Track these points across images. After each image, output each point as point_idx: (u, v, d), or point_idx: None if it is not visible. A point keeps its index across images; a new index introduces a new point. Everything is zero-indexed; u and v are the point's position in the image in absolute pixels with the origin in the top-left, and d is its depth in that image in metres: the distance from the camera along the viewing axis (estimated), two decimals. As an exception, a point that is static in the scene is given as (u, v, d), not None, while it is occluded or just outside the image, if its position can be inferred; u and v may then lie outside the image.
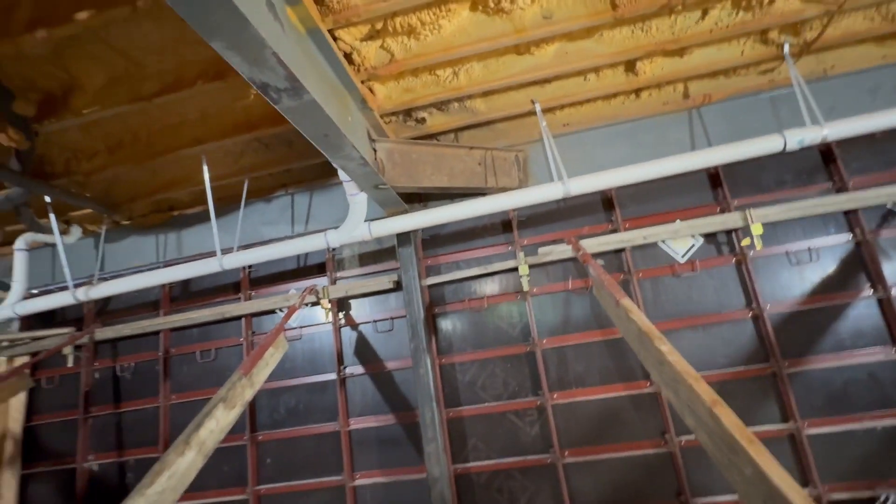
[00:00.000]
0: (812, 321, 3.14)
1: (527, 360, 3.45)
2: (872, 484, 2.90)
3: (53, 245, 4.03)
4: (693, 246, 3.37)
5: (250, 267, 4.04)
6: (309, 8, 1.95)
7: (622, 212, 3.51)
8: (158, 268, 3.66)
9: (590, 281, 3.41)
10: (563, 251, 3.41)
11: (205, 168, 3.22)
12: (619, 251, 3.46)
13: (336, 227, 3.28)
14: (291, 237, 3.63)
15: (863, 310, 3.09)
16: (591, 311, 3.43)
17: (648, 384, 3.23)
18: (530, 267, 3.46)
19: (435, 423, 3.24)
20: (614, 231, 3.48)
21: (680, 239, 3.38)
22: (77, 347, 4.04)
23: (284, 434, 3.69)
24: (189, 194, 3.79)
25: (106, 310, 4.27)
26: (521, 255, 3.46)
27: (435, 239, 3.77)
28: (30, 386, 3.83)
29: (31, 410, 4.16)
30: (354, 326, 3.78)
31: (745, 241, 3.20)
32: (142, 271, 3.61)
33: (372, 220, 3.24)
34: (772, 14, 2.61)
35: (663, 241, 3.41)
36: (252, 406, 3.76)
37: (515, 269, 3.48)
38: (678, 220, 3.36)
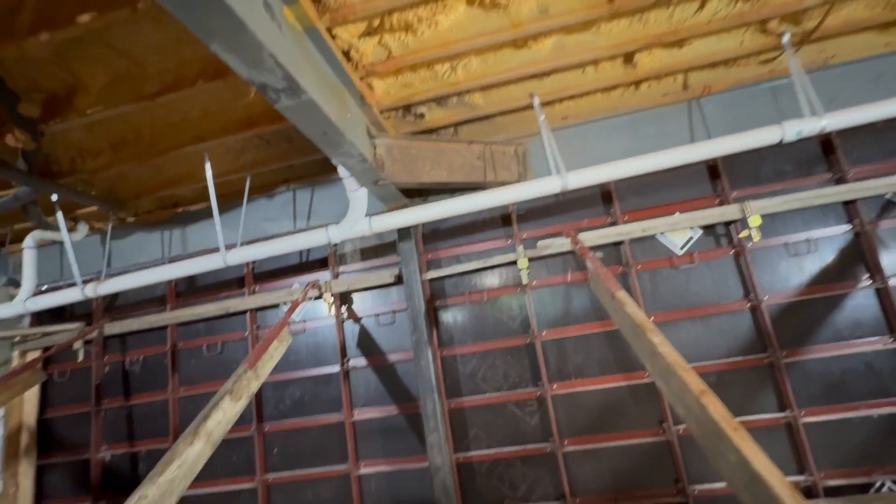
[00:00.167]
0: (810, 312, 3.16)
1: (527, 352, 3.50)
2: (868, 471, 2.94)
3: (61, 242, 4.11)
4: (691, 238, 3.39)
5: (254, 262, 4.10)
6: (306, 7, 1.97)
7: (621, 204, 3.52)
8: (164, 264, 3.72)
9: (588, 274, 3.44)
10: (562, 244, 3.44)
11: (207, 165, 3.26)
12: (618, 244, 3.48)
13: (337, 223, 3.33)
14: (293, 233, 3.67)
15: (861, 300, 3.10)
16: (591, 303, 3.46)
17: (647, 375, 3.27)
18: (530, 260, 3.50)
19: (437, 413, 3.30)
20: (613, 224, 3.50)
21: (678, 231, 3.40)
22: (87, 342, 4.13)
23: (290, 425, 3.78)
24: (192, 191, 3.85)
25: (114, 305, 4.35)
26: (520, 248, 3.49)
27: (435, 233, 3.81)
28: (42, 380, 3.93)
29: (44, 403, 4.28)
30: (357, 320, 3.84)
31: (744, 233, 3.21)
32: (148, 267, 3.67)
33: (372, 214, 3.28)
34: (771, 3, 2.59)
35: (662, 234, 3.43)
36: (258, 398, 3.85)
37: (515, 263, 3.51)
38: (677, 213, 3.37)
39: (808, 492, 2.98)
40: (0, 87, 2.47)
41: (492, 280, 3.65)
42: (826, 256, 3.19)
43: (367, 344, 3.79)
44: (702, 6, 2.59)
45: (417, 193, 3.69)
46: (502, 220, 3.72)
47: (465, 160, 3.32)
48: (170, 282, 4.19)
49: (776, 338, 3.12)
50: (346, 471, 3.59)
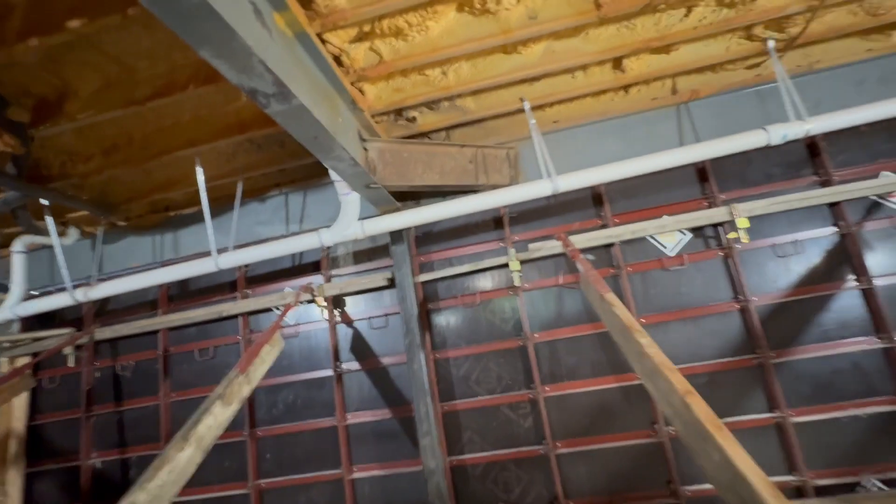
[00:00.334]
0: (798, 312, 3.20)
1: (520, 354, 3.52)
2: (856, 470, 2.98)
3: (51, 247, 4.07)
4: (681, 240, 3.43)
5: (246, 266, 4.09)
6: (296, 13, 1.99)
7: (611, 207, 3.56)
8: (155, 268, 3.70)
9: (579, 276, 3.47)
10: (553, 247, 3.46)
11: (199, 169, 3.26)
12: (609, 246, 3.51)
13: (329, 226, 3.33)
14: (286, 236, 3.67)
15: (847, 301, 3.15)
16: (582, 305, 3.49)
17: (639, 377, 3.29)
18: (521, 263, 3.52)
19: (430, 416, 3.31)
20: (604, 226, 3.53)
21: (668, 233, 3.44)
22: (77, 347, 4.09)
23: (283, 429, 3.76)
24: (184, 195, 3.84)
25: (105, 310, 4.32)
26: (512, 251, 3.51)
27: (428, 236, 3.83)
28: (32, 386, 3.90)
29: (33, 410, 4.23)
30: (350, 323, 3.84)
31: (732, 235, 3.26)
32: (139, 272, 3.65)
33: (365, 218, 3.28)
34: (755, 10, 2.64)
35: (652, 236, 3.46)
36: (251, 402, 3.83)
37: (507, 265, 3.53)
38: (666, 215, 3.41)
39: (798, 492, 3.01)
40: (-11, 92, 2.46)
41: (484, 283, 3.67)
42: (813, 258, 3.24)
43: (360, 347, 3.79)
44: (688, 13, 2.63)
45: (410, 197, 3.71)
46: (494, 223, 3.74)
47: (456, 163, 3.34)
48: (161, 286, 4.16)
49: (765, 338, 3.16)
50: (339, 475, 3.58)
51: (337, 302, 3.89)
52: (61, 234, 4.03)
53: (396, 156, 3.09)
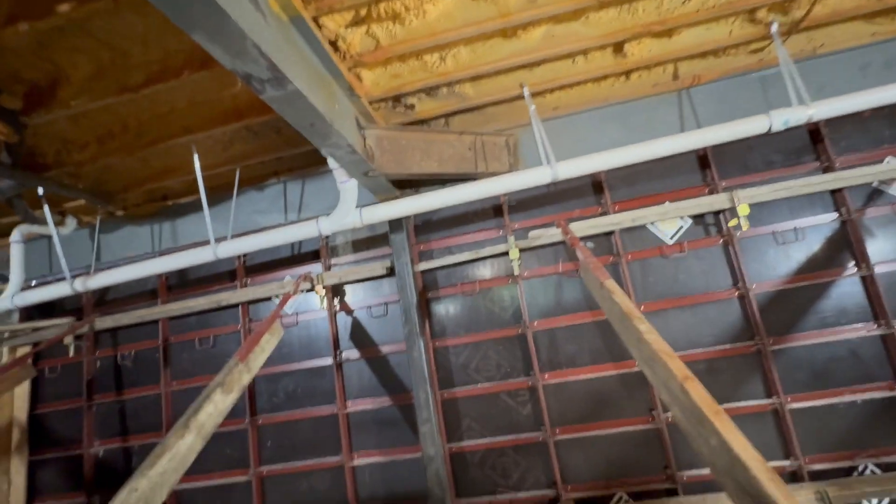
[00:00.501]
0: (797, 299, 3.20)
1: (519, 342, 3.53)
2: (852, 454, 3.01)
3: (49, 237, 4.06)
4: (681, 227, 3.41)
5: (245, 255, 4.08)
6: (291, -5, 1.95)
7: (612, 194, 3.54)
8: (154, 257, 3.69)
9: (579, 263, 3.46)
10: (553, 235, 3.45)
11: (195, 157, 3.23)
12: (609, 234, 3.50)
13: (328, 215, 3.31)
14: (284, 225, 3.65)
15: (846, 288, 3.15)
16: (582, 293, 3.49)
17: (637, 363, 3.31)
18: (521, 251, 3.51)
19: (429, 404, 3.33)
20: (604, 214, 3.51)
21: (668, 220, 3.42)
22: (77, 337, 4.10)
23: (284, 417, 3.79)
24: (182, 183, 3.81)
25: (104, 299, 4.32)
26: (511, 239, 3.50)
27: (427, 224, 3.81)
28: (32, 375, 3.91)
29: (35, 399, 4.26)
30: (349, 312, 3.84)
31: (733, 222, 3.24)
32: (137, 261, 3.64)
33: (363, 206, 3.26)
34: (759, -8, 2.59)
35: (652, 223, 3.45)
36: (252, 391, 3.85)
37: (507, 254, 3.52)
38: (667, 202, 3.39)
39: (794, 476, 3.04)
40: (-20, 79, 2.42)
41: (484, 271, 3.66)
42: (813, 245, 3.23)
43: (359, 336, 3.79)
44: (690, -5, 2.58)
45: (408, 185, 3.68)
46: (494, 210, 3.72)
47: (455, 151, 3.31)
48: (161, 275, 4.16)
49: (763, 325, 3.17)
50: (339, 462, 3.62)
51: (336, 291, 3.88)
52: (59, 223, 4.01)
53: (394, 143, 3.06)
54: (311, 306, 3.92)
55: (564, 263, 3.53)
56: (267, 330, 2.77)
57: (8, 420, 4.11)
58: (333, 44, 2.42)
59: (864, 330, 3.07)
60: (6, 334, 4.23)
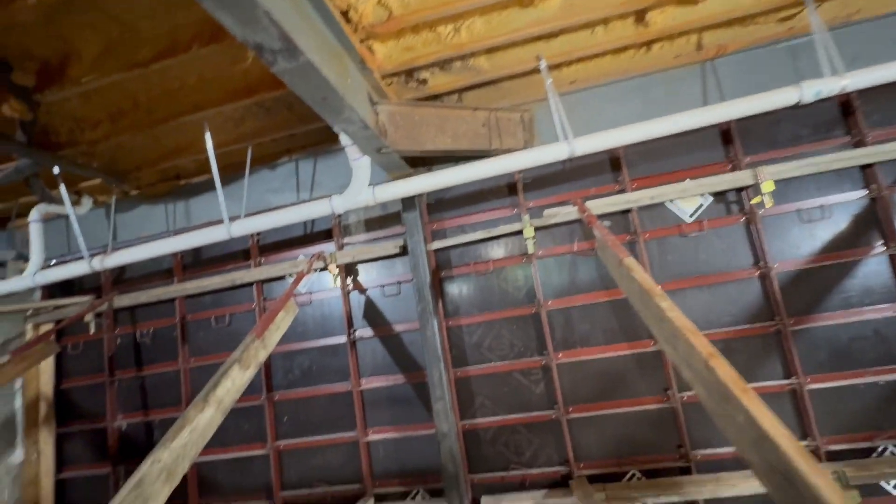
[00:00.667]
0: (820, 279, 3.12)
1: (532, 322, 3.51)
2: (871, 436, 2.97)
3: (67, 217, 4.12)
4: (701, 205, 3.32)
5: (259, 234, 4.09)
6: (301, -38, 1.87)
7: (630, 172, 3.45)
8: (169, 236, 3.72)
9: (595, 242, 3.40)
10: (568, 213, 3.38)
11: (207, 135, 3.21)
12: (626, 212, 3.42)
13: (341, 193, 3.28)
14: (297, 203, 3.64)
15: (873, 267, 3.05)
16: (597, 272, 3.44)
17: (652, 343, 3.28)
18: (536, 229, 3.46)
19: (443, 382, 3.35)
20: (621, 191, 3.43)
21: (688, 198, 3.33)
22: (98, 315, 4.18)
23: (299, 394, 3.85)
24: (194, 162, 3.80)
25: (122, 278, 4.39)
26: (526, 217, 3.45)
27: (440, 203, 3.77)
28: (55, 351, 4.02)
29: (60, 375, 4.39)
30: (362, 291, 3.85)
31: (756, 200, 3.14)
32: (153, 240, 3.67)
33: (376, 184, 3.23)
34: (793, -47, 2.44)
35: (671, 201, 3.36)
36: (268, 368, 3.92)
37: (521, 232, 3.48)
38: (687, 179, 3.29)
39: (811, 456, 3.00)
40: (-8, 55, 2.41)
41: (497, 250, 3.62)
42: (840, 223, 3.12)
43: (373, 315, 3.81)
44: (720, -43, 2.44)
45: (421, 162, 3.63)
46: (508, 188, 3.66)
47: (469, 127, 3.24)
48: (176, 255, 4.21)
49: (784, 305, 3.10)
50: (354, 438, 3.68)
51: (349, 270, 3.89)
52: (75, 203, 4.05)
53: (408, 119, 3.00)
54: (324, 285, 3.93)
55: (580, 242, 3.47)
56: (282, 308, 2.79)
57: (35, 394, 4.25)
58: (345, 14, 2.34)
59: (890, 310, 2.99)
60: (30, 312, 4.34)
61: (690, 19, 2.88)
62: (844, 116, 3.19)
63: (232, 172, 3.92)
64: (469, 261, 3.65)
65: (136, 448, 4.12)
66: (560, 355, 3.41)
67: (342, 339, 3.81)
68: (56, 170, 3.33)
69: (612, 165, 3.51)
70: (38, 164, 3.10)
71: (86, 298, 4.26)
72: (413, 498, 3.56)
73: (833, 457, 2.97)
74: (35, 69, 2.57)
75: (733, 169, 3.27)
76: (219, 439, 3.66)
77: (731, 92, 3.23)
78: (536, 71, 3.12)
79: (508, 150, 3.21)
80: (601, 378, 3.38)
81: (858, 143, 3.11)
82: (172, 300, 4.17)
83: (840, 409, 3.04)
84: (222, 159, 3.59)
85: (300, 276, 3.24)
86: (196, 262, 4.25)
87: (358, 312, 3.84)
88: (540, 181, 3.60)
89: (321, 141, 3.80)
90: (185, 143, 3.56)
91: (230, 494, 3.90)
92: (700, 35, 3.12)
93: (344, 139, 2.98)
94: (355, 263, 3.88)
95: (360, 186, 3.17)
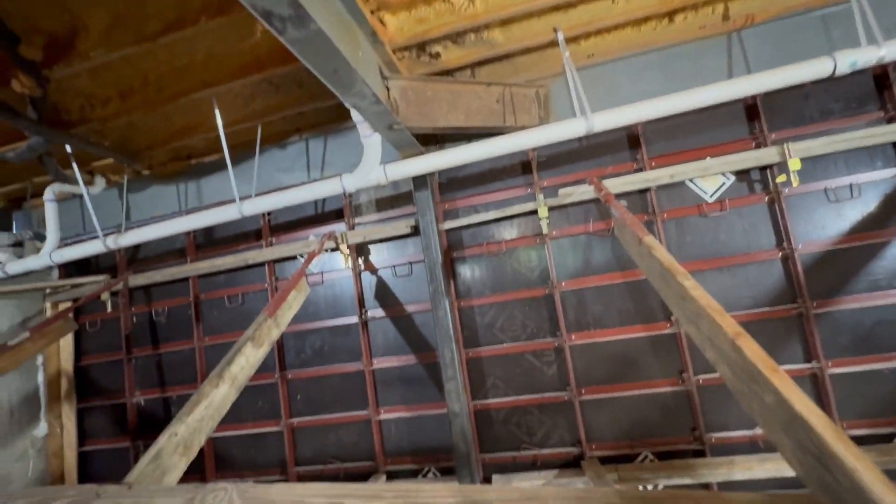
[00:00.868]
0: (846, 261, 3.01)
1: (545, 303, 3.46)
2: (893, 421, 2.90)
3: (80, 196, 4.14)
4: (723, 184, 3.21)
5: (270, 214, 4.07)
6: (310, -76, 1.79)
7: (648, 149, 3.33)
8: (181, 216, 3.72)
9: (612, 222, 3.32)
10: (584, 192, 3.30)
11: (217, 112, 3.17)
12: (644, 191, 3.33)
13: (351, 172, 3.24)
14: (307, 183, 3.60)
15: (903, 248, 2.94)
16: (612, 253, 3.36)
17: (668, 325, 3.22)
18: (550, 209, 3.39)
19: (455, 362, 3.34)
20: (640, 170, 3.33)
21: (710, 177, 3.22)
22: (114, 294, 4.24)
23: (312, 373, 3.89)
24: (204, 141, 3.77)
25: (137, 258, 4.43)
26: (540, 197, 3.37)
27: (452, 182, 3.70)
28: (74, 328, 4.08)
29: (79, 352, 4.48)
30: (374, 271, 3.83)
31: (781, 178, 3.02)
32: (165, 219, 3.68)
33: (387, 163, 3.17)
34: (833, -88, 2.28)
35: (691, 180, 3.25)
36: (280, 347, 3.95)
37: (535, 212, 3.41)
38: (708, 157, 3.17)
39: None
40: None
41: (510, 230, 3.56)
42: (869, 202, 2.99)
43: (384, 295, 3.80)
44: (753, -84, 2.29)
45: (433, 140, 3.55)
46: (522, 167, 3.57)
47: (482, 103, 3.14)
48: (189, 234, 4.22)
49: (808, 288, 3.01)
50: (366, 416, 3.71)
51: (360, 250, 3.86)
52: (88, 182, 4.07)
53: (420, 94, 2.92)
54: (335, 265, 3.92)
55: (595, 222, 3.39)
56: (294, 287, 2.78)
57: (56, 370, 4.36)
58: (356, -18, 2.26)
59: (920, 293, 2.88)
60: (48, 290, 4.41)
61: (718, -14, 2.74)
62: (879, 90, 3.02)
63: (242, 151, 3.89)
64: (481, 241, 3.60)
65: (154, 423, 4.21)
66: (573, 337, 3.37)
67: (354, 319, 3.81)
68: (69, 148, 3.33)
69: (629, 143, 3.40)
70: (49, 141, 3.09)
71: (102, 277, 4.31)
72: (424, 475, 3.60)
73: (854, 442, 2.91)
74: (42, 43, 2.54)
75: (758, 146, 3.14)
76: (234, 416, 3.72)
77: (759, 64, 3.09)
78: (553, 44, 3.01)
79: (523, 128, 3.12)
80: (615, 360, 3.34)
81: (893, 119, 2.96)
82: (186, 280, 4.20)
83: (862, 394, 2.97)
84: (232, 138, 3.56)
85: (312, 256, 3.22)
86: (209, 241, 4.26)
87: (369, 293, 3.83)
88: (555, 159, 3.51)
89: (331, 120, 3.73)
90: (195, 122, 3.53)
91: (245, 469, 3.98)
92: (727, 4, 2.98)
93: (355, 115, 2.91)
94: (366, 243, 3.85)
95: (372, 165, 3.12)
